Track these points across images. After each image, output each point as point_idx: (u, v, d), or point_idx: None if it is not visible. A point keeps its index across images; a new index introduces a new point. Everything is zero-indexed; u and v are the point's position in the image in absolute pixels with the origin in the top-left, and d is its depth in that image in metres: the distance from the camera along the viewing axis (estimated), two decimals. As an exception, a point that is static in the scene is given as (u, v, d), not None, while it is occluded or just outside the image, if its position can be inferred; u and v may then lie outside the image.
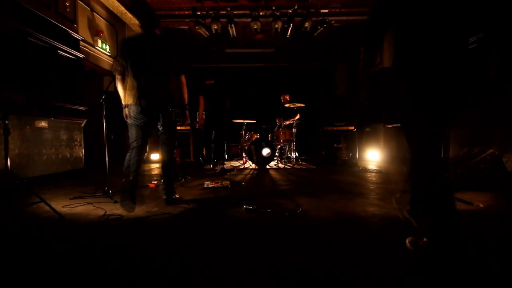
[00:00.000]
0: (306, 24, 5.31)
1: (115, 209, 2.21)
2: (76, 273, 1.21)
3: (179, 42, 6.67)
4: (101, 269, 1.25)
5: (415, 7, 1.31)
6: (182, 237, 1.65)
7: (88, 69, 4.88)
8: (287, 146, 5.70)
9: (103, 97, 2.72)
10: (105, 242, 1.58)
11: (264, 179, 3.79)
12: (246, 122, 5.26)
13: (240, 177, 4.02)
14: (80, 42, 4.28)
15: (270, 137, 5.31)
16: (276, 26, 5.27)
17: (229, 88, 5.27)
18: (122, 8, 4.93)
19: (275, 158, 5.12)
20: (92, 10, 4.91)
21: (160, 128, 2.31)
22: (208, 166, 5.11)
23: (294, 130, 5.32)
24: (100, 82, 5.54)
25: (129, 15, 5.14)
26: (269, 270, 1.22)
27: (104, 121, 2.75)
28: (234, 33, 5.64)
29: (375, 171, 4.42)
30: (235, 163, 5.63)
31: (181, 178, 3.58)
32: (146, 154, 2.33)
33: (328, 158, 5.80)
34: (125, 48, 2.21)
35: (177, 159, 4.06)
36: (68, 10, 4.07)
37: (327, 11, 5.26)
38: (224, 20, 5.25)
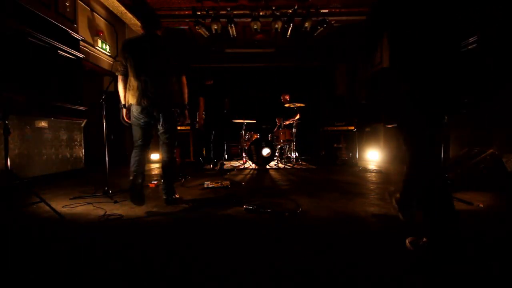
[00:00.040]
0: (306, 24, 5.30)
1: (115, 209, 2.21)
2: (76, 273, 1.21)
3: (179, 42, 6.67)
4: (101, 269, 1.25)
5: (415, 7, 1.31)
6: (182, 237, 1.65)
7: (88, 69, 4.88)
8: (287, 146, 5.70)
9: (103, 97, 2.72)
10: (105, 242, 1.58)
11: (264, 179, 3.79)
12: (246, 122, 5.26)
13: (240, 177, 4.02)
14: (80, 42, 4.28)
15: (270, 137, 5.31)
16: (276, 26, 5.27)
17: (229, 88, 5.27)
18: (122, 8, 4.93)
19: (275, 158, 5.12)
20: (92, 10, 4.91)
21: (160, 128, 2.32)
22: (208, 166, 5.11)
23: (294, 130, 5.31)
24: (100, 82, 5.54)
25: (129, 15, 5.14)
26: (269, 270, 1.22)
27: (104, 121, 2.75)
28: (234, 33, 5.64)
29: (375, 171, 4.43)
30: (235, 163, 5.63)
31: (181, 178, 3.58)
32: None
33: (328, 158, 5.80)
34: (126, 49, 2.23)
35: (177, 159, 4.06)
36: (68, 10, 4.07)
37: (327, 11, 5.25)
38: (224, 20, 5.25)
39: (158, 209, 2.22)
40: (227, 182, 3.16)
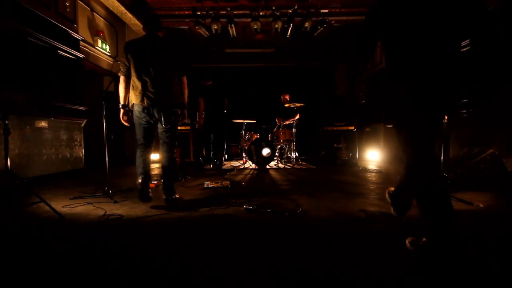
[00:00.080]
0: (306, 24, 5.30)
1: (115, 209, 2.21)
2: (76, 273, 1.21)
3: (179, 42, 6.67)
4: (101, 269, 1.25)
5: (414, 8, 1.31)
6: (182, 237, 1.65)
7: (88, 69, 4.88)
8: (287, 146, 5.70)
9: (103, 95, 2.73)
10: (105, 242, 1.58)
11: (264, 179, 3.79)
12: (246, 122, 5.26)
13: (240, 177, 4.02)
14: (80, 42, 4.28)
15: (270, 137, 5.31)
16: (276, 26, 5.27)
17: (229, 88, 5.27)
18: (122, 8, 4.93)
19: (275, 158, 5.12)
20: (92, 10, 4.91)
21: (161, 127, 2.35)
22: (208, 166, 5.11)
23: (294, 130, 5.31)
24: (100, 82, 5.54)
25: (129, 15, 5.14)
26: (269, 270, 1.22)
27: (104, 121, 2.76)
28: (234, 33, 5.64)
29: (375, 171, 4.43)
30: (235, 163, 5.63)
31: (181, 178, 3.58)
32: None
33: (328, 158, 5.81)
34: (128, 50, 2.28)
35: (177, 159, 4.06)
36: (68, 10, 4.07)
37: (327, 11, 5.25)
38: (224, 20, 5.25)
39: (158, 209, 2.22)
40: (227, 182, 3.16)
